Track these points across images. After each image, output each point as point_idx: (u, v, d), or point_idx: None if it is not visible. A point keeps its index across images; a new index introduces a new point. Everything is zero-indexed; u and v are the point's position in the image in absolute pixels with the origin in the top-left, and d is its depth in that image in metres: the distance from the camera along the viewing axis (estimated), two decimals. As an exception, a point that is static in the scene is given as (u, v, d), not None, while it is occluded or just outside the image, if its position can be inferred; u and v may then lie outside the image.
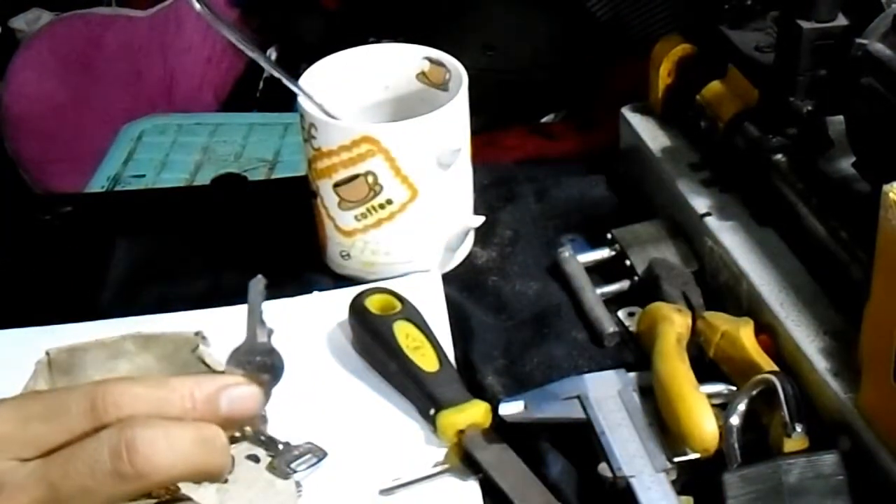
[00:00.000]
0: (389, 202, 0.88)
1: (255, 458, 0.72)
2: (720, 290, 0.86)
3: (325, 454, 0.74)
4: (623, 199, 1.00)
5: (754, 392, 0.74)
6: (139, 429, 0.51)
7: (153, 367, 0.78)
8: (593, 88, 1.16)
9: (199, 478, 0.54)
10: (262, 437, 0.71)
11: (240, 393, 0.55)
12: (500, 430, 0.77)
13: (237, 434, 0.60)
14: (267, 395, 0.56)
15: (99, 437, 0.52)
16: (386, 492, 0.74)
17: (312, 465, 0.74)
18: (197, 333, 0.80)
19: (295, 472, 0.73)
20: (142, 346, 0.80)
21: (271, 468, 0.72)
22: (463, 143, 0.90)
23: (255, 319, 0.58)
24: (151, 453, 0.51)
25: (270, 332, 0.58)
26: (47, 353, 0.79)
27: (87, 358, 0.79)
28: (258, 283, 0.58)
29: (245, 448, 0.71)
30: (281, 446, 0.73)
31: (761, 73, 0.88)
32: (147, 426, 0.52)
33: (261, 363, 0.57)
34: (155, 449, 0.51)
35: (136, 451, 0.51)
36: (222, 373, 0.57)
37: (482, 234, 0.96)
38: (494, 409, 0.78)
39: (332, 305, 0.88)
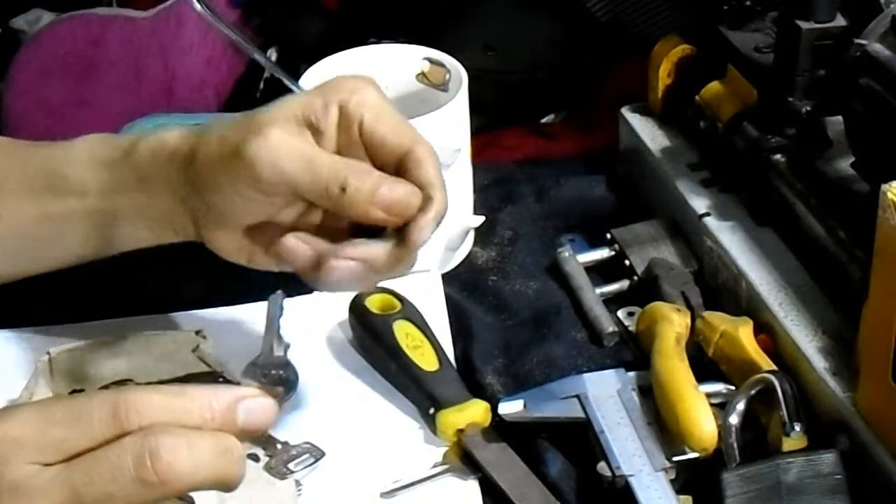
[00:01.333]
0: (389, 202, 0.88)
1: (255, 457, 0.72)
2: (719, 289, 0.86)
3: (322, 454, 0.75)
4: (622, 199, 1.00)
5: (753, 391, 0.74)
6: (162, 436, 0.52)
7: (153, 366, 0.79)
8: (593, 89, 1.16)
9: (217, 486, 0.55)
10: (262, 436, 0.71)
11: (256, 405, 0.56)
12: (500, 429, 0.78)
13: None
14: (280, 406, 0.57)
15: (122, 444, 0.52)
16: (387, 494, 0.74)
17: (309, 465, 0.74)
18: (198, 332, 0.80)
19: (292, 472, 0.73)
20: (142, 345, 0.80)
21: (268, 468, 0.72)
22: (463, 143, 0.90)
23: (273, 333, 0.58)
24: (174, 461, 0.52)
25: (287, 347, 0.58)
26: (48, 353, 0.79)
27: (87, 358, 0.79)
28: (277, 298, 0.59)
29: (245, 447, 0.71)
30: (279, 446, 0.73)
31: (760, 74, 0.88)
32: (170, 434, 0.52)
33: (276, 376, 0.58)
34: (178, 457, 0.52)
35: (159, 458, 0.51)
36: (238, 383, 0.58)
37: (482, 234, 0.96)
38: (494, 409, 0.78)
39: (332, 305, 0.88)
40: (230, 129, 0.70)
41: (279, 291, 0.61)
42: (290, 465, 0.73)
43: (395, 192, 0.68)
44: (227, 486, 0.55)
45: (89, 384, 0.79)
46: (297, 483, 0.74)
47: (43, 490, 0.52)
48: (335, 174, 0.67)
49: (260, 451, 0.73)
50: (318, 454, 0.75)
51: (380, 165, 0.70)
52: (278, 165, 0.67)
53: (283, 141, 0.68)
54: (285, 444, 0.74)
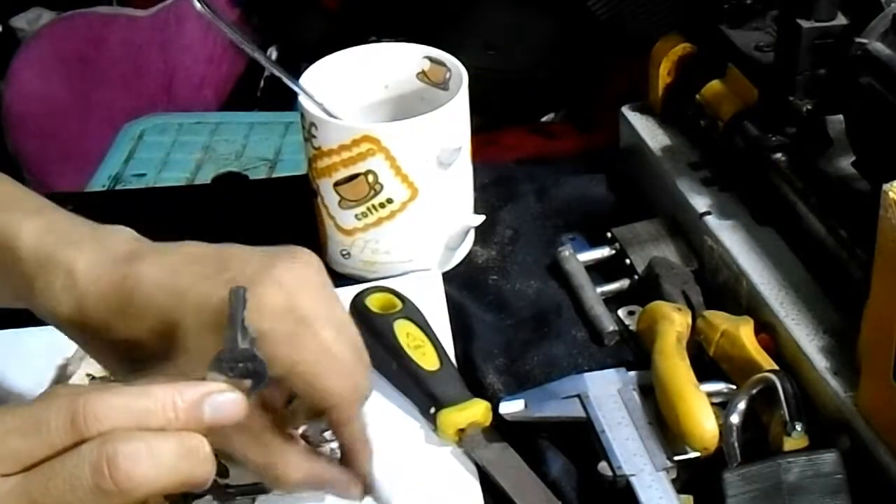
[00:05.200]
0: (390, 201, 0.88)
1: None
2: (720, 288, 0.86)
3: (264, 491, 0.74)
4: (623, 198, 1.00)
5: (754, 391, 0.74)
6: (120, 443, 0.51)
7: None
8: (593, 88, 1.17)
9: (184, 488, 0.53)
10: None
11: (223, 400, 0.54)
12: (501, 428, 0.78)
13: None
14: (249, 400, 0.56)
15: (79, 453, 0.51)
16: (387, 494, 0.74)
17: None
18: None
19: (327, 441, 0.72)
20: None
21: (303, 436, 0.71)
22: (463, 142, 0.90)
23: (237, 326, 0.57)
24: (133, 468, 0.50)
25: (253, 340, 0.57)
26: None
27: None
28: (240, 292, 0.58)
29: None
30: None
31: (761, 73, 0.88)
32: (128, 440, 0.51)
33: (243, 369, 0.57)
34: (137, 463, 0.50)
35: (117, 466, 0.50)
36: (204, 379, 0.56)
37: (482, 233, 0.96)
38: (495, 408, 0.78)
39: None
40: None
41: (242, 286, 0.60)
42: (326, 435, 0.72)
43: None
44: (194, 486, 0.53)
45: None
46: (332, 450, 0.73)
47: (1, 501, 0.50)
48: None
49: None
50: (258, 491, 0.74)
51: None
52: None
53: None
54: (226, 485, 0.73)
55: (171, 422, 0.53)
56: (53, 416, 0.52)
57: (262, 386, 0.57)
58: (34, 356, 0.83)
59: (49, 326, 0.78)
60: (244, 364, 0.57)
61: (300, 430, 0.71)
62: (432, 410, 0.78)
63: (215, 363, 0.56)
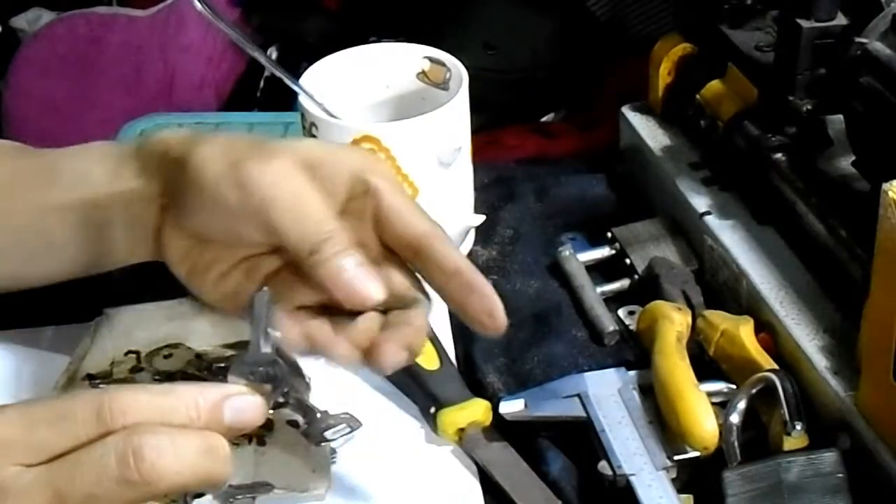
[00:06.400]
0: (390, 201, 0.88)
1: (295, 424, 0.72)
2: (720, 288, 0.86)
3: (359, 425, 0.74)
4: (623, 198, 1.00)
5: (754, 390, 0.74)
6: (146, 436, 0.52)
7: (207, 331, 0.81)
8: (593, 88, 1.17)
9: (202, 486, 0.55)
10: (303, 404, 0.71)
11: (243, 403, 0.56)
12: (501, 428, 0.78)
13: (280, 399, 0.61)
14: (269, 405, 0.57)
15: (105, 444, 0.52)
16: (387, 493, 0.74)
17: (345, 434, 0.74)
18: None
19: (328, 440, 0.73)
20: (198, 310, 0.81)
21: (306, 434, 0.72)
22: (463, 141, 0.90)
23: (260, 330, 0.58)
24: (158, 461, 0.51)
25: (275, 344, 0.58)
26: (104, 312, 0.81)
27: (144, 318, 0.81)
28: (263, 296, 0.58)
29: (287, 413, 0.71)
30: (319, 414, 0.73)
31: (761, 73, 0.88)
32: (154, 434, 0.52)
33: (264, 373, 0.57)
34: (162, 456, 0.52)
35: (142, 458, 0.51)
36: (226, 381, 0.57)
37: (482, 233, 0.96)
38: (495, 408, 0.78)
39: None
40: (234, 146, 0.67)
41: (265, 289, 0.60)
42: (327, 434, 0.73)
43: (362, 281, 0.64)
44: (213, 485, 0.54)
45: (143, 345, 0.81)
46: (332, 451, 0.75)
47: (26, 491, 0.51)
48: (316, 231, 0.63)
49: (300, 418, 0.73)
50: (355, 424, 0.75)
51: (386, 243, 0.67)
52: (268, 198, 0.63)
53: (284, 175, 0.64)
54: (325, 412, 0.74)
55: (192, 420, 0.54)
56: (79, 408, 0.53)
57: (282, 391, 0.58)
58: (35, 356, 0.83)
59: (54, 326, 0.78)
60: (265, 368, 0.57)
61: (302, 428, 0.71)
62: (432, 410, 0.78)
63: (237, 366, 0.57)
